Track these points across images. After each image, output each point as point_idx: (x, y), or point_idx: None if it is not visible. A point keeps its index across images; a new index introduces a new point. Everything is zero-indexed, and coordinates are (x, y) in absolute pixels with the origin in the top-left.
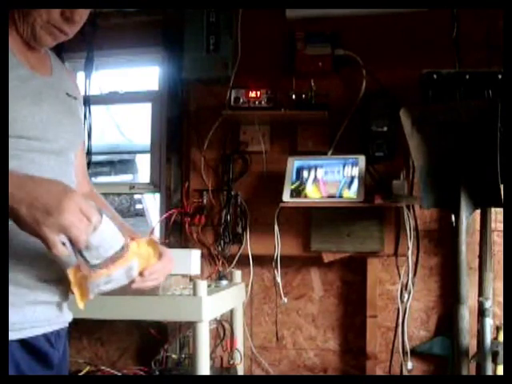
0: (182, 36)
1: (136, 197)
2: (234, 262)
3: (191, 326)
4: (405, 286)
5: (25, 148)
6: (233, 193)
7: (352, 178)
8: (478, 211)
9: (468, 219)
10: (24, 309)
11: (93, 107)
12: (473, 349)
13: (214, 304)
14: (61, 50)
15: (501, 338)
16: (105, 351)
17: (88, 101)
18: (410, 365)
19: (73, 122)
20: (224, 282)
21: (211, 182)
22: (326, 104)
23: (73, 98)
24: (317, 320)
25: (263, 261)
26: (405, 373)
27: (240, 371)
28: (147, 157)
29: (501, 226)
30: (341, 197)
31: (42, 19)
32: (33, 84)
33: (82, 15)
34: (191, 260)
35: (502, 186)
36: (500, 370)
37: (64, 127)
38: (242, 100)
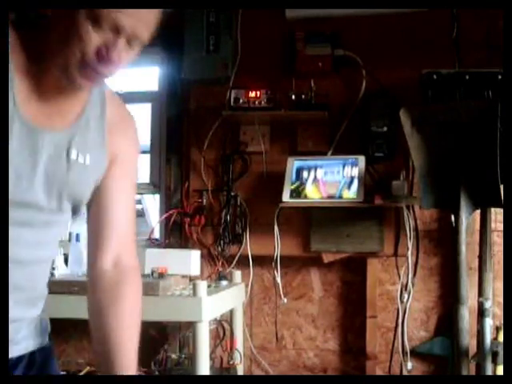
0: (181, 36)
1: (135, 197)
2: (234, 263)
3: (191, 326)
4: (404, 287)
5: None
6: (232, 193)
7: (352, 179)
8: (478, 211)
9: (468, 219)
10: None
11: None
12: (473, 349)
13: (213, 304)
14: None
15: (501, 338)
16: None
17: None
18: (409, 365)
19: (69, 192)
20: (224, 283)
21: (211, 182)
22: (325, 104)
23: (79, 161)
24: (317, 320)
25: (263, 261)
26: (405, 373)
27: (240, 371)
28: (147, 157)
29: (501, 226)
30: (340, 197)
31: (75, 58)
32: (26, 144)
33: (122, 54)
34: (191, 260)
35: (501, 186)
36: (500, 370)
37: (49, 197)
38: (241, 100)
